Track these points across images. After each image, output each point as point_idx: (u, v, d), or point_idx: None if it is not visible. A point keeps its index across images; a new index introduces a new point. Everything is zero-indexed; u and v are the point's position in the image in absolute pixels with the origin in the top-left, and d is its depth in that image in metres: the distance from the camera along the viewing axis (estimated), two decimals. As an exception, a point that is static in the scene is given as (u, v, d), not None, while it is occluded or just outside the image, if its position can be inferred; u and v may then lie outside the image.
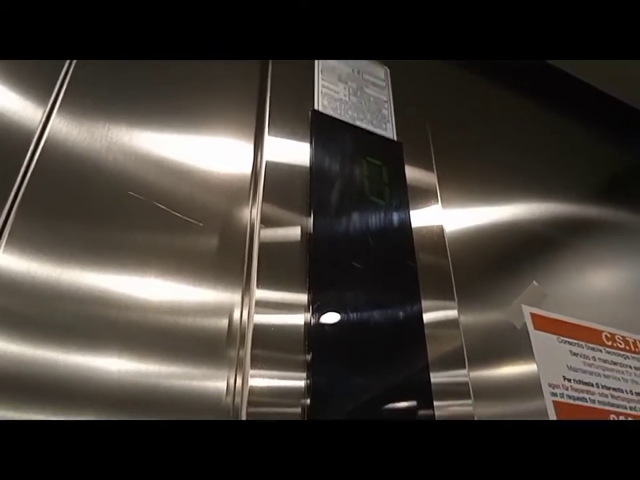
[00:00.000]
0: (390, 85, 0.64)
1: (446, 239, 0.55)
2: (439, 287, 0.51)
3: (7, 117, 0.43)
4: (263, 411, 0.39)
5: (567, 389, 0.51)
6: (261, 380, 0.39)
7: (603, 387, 0.54)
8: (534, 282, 0.58)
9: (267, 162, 0.50)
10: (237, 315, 0.44)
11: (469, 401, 0.45)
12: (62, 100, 0.46)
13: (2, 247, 0.38)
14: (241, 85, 0.56)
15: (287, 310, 0.43)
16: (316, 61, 0.60)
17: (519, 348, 0.53)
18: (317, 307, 0.43)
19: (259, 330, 0.41)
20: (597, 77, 0.87)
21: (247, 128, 0.53)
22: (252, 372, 0.39)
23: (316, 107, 0.56)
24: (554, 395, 0.50)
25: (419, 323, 0.46)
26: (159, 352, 0.39)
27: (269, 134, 0.52)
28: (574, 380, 0.52)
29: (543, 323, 0.55)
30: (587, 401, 0.51)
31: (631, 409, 0.54)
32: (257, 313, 0.42)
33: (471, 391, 0.46)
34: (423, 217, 0.55)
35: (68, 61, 0.48)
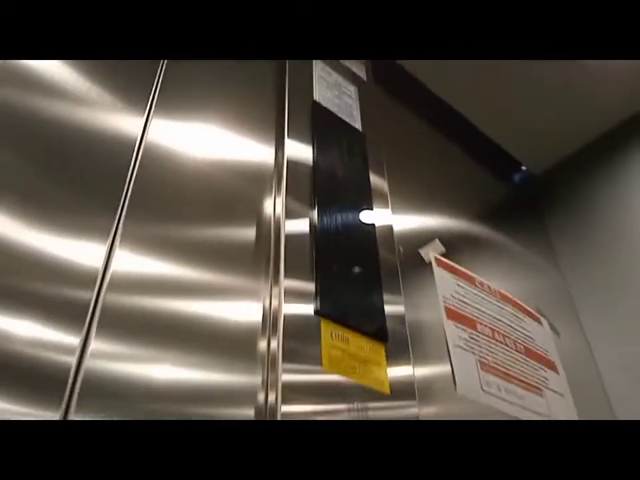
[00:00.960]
0: (359, 96, 0.93)
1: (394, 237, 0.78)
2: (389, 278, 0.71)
3: (111, 125, 0.56)
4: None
5: (451, 301, 0.81)
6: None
7: (471, 306, 0.85)
8: (437, 239, 0.88)
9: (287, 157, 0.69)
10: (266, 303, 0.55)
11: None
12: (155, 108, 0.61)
13: (117, 245, 0.49)
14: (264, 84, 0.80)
15: (302, 298, 0.57)
16: (314, 72, 0.87)
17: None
18: (320, 295, 0.58)
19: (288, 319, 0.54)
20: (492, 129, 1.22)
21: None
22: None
23: (315, 99, 0.82)
24: (445, 301, 0.79)
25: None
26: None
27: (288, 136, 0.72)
28: (455, 295, 0.82)
29: (443, 264, 0.85)
30: (463, 310, 0.82)
31: (480, 317, 0.85)
32: (286, 302, 0.54)
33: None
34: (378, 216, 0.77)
35: (158, 73, 0.63)
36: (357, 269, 0.65)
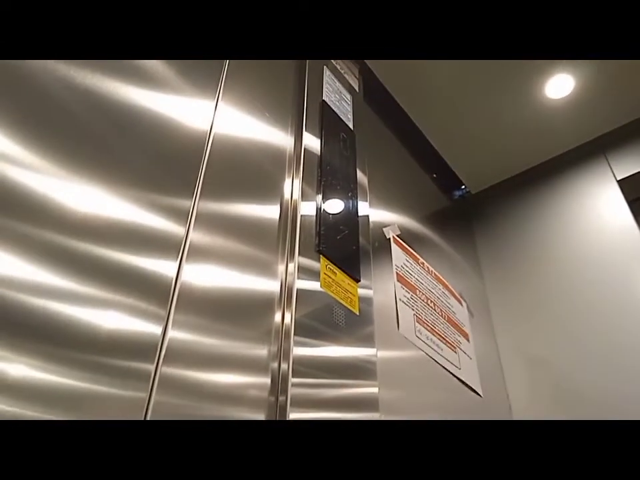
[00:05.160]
0: (352, 104, 1.17)
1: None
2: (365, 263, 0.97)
3: (183, 118, 0.65)
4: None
5: (401, 269, 1.07)
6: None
7: (414, 276, 1.11)
8: (395, 224, 1.14)
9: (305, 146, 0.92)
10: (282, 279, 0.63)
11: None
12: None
13: (192, 226, 0.57)
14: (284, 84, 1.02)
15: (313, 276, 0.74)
16: (323, 78, 1.10)
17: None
18: (321, 240, 0.79)
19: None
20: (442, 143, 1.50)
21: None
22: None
23: (324, 99, 1.06)
24: (397, 269, 1.05)
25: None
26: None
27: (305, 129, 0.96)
28: (404, 266, 1.08)
29: (398, 242, 1.11)
30: (408, 278, 1.07)
31: (419, 286, 1.11)
32: (299, 278, 0.63)
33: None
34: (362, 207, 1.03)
35: (224, 68, 0.80)
36: (345, 234, 0.89)
